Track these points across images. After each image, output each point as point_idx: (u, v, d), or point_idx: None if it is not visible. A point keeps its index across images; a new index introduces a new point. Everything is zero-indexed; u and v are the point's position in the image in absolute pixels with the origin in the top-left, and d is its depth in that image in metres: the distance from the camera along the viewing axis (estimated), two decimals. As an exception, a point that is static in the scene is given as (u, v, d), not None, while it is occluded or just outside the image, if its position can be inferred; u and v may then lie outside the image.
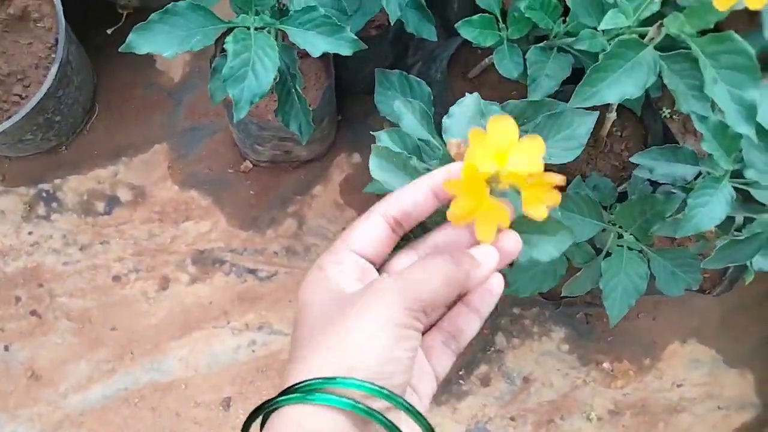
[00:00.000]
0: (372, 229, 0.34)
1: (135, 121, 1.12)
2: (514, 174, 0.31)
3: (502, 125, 0.31)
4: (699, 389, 1.10)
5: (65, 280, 1.09)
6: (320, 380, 0.29)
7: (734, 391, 1.10)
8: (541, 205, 0.32)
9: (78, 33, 1.04)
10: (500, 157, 0.32)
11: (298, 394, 0.29)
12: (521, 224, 0.55)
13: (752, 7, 0.50)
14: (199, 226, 1.11)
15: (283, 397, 0.30)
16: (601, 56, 0.56)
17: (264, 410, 0.31)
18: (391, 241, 0.35)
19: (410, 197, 0.34)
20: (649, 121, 0.91)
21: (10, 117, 0.84)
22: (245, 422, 0.33)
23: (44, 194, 1.11)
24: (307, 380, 0.29)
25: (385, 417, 0.29)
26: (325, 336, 0.30)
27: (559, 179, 0.32)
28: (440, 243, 0.36)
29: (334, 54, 0.96)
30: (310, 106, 0.92)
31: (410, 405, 0.30)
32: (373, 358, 0.29)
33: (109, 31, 1.06)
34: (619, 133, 0.92)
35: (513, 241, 0.35)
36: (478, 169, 0.31)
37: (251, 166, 1.11)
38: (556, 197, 0.32)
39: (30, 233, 1.10)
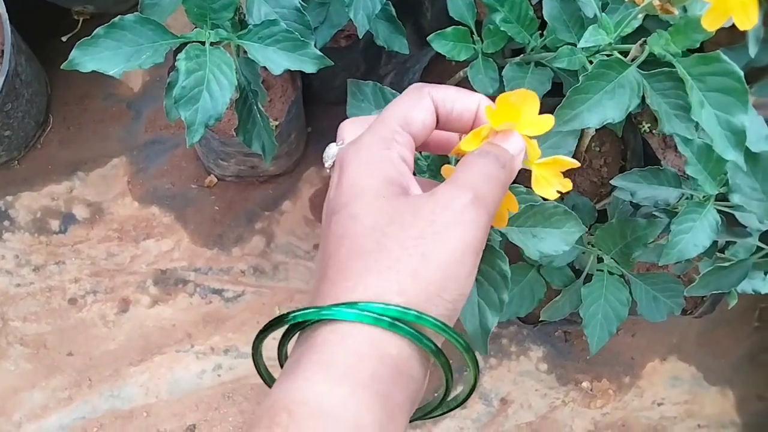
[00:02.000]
0: (427, 113, 0.29)
1: (92, 134, 1.06)
2: (532, 146, 0.30)
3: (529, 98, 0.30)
4: (679, 408, 1.07)
5: (18, 303, 1.03)
6: (396, 309, 0.25)
7: (715, 410, 1.08)
8: (551, 187, 0.31)
9: (30, 41, 0.98)
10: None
11: (372, 315, 0.25)
12: (526, 218, 0.51)
13: (742, 27, 0.47)
14: (161, 245, 1.05)
15: (351, 310, 0.25)
16: (581, 77, 0.52)
17: (302, 322, 0.26)
18: (428, 135, 0.30)
19: (462, 102, 0.30)
20: (628, 137, 0.88)
21: (-50, 133, 0.78)
22: (260, 333, 0.29)
23: (-6, 212, 1.04)
24: (375, 302, 0.25)
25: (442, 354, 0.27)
26: (391, 251, 0.26)
27: (572, 162, 0.30)
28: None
29: (302, 65, 0.92)
30: (275, 119, 0.88)
31: (473, 352, 0.28)
32: (449, 294, 0.26)
33: (64, 39, 1.00)
34: (597, 149, 0.89)
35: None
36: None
37: (216, 180, 1.06)
38: (567, 182, 0.31)
39: (-21, 253, 1.03)
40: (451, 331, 0.27)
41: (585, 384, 1.07)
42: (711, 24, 0.45)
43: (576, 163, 0.31)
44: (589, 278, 0.74)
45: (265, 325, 0.28)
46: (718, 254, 0.73)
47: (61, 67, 0.56)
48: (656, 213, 0.67)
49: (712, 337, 1.10)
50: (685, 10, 0.50)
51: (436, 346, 0.27)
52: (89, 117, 1.06)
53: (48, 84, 1.03)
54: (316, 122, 1.08)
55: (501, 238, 0.51)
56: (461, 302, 0.27)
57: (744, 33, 0.65)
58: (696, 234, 0.61)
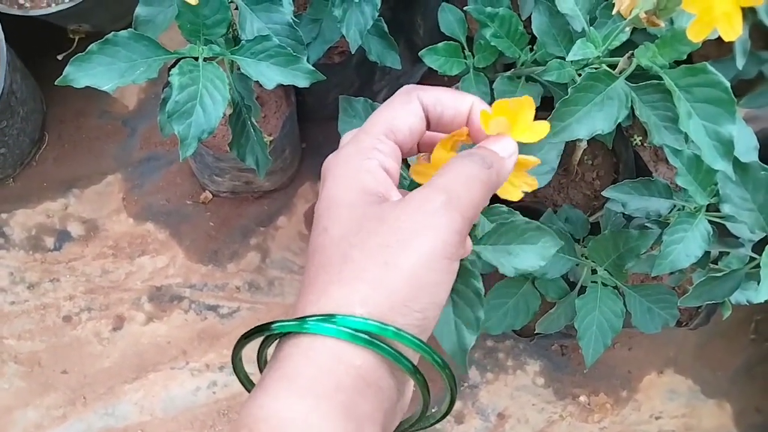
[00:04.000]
0: (415, 118, 0.28)
1: (87, 151, 1.06)
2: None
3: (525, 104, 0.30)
4: (677, 421, 1.07)
5: (12, 320, 1.02)
6: (360, 320, 0.24)
7: (712, 423, 1.07)
8: (515, 189, 0.30)
9: (25, 59, 0.99)
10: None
11: (345, 329, 0.24)
12: (499, 235, 0.52)
13: (726, 38, 0.47)
14: (156, 261, 1.05)
15: (322, 323, 0.24)
16: (570, 89, 0.53)
17: (274, 332, 0.26)
18: (417, 140, 0.29)
19: (453, 103, 0.29)
20: (620, 150, 0.88)
21: (-55, 151, 0.78)
22: (239, 342, 0.28)
23: (-11, 229, 1.04)
24: (341, 314, 0.24)
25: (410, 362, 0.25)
26: (357, 261, 0.25)
27: (534, 160, 0.30)
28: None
29: (295, 81, 0.93)
30: (270, 135, 0.88)
31: (449, 369, 0.27)
32: (416, 305, 0.25)
33: (59, 57, 1.01)
34: (590, 162, 0.90)
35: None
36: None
37: (211, 196, 1.06)
38: (533, 180, 0.30)
39: (-27, 271, 1.03)
40: (425, 347, 0.26)
41: (582, 398, 1.07)
42: (696, 35, 0.46)
43: (537, 161, 0.30)
44: (583, 290, 0.74)
45: (242, 335, 0.28)
46: (712, 265, 0.73)
47: (56, 83, 0.56)
48: (648, 224, 0.67)
49: (709, 350, 1.10)
50: (672, 22, 0.51)
51: (412, 365, 0.26)
52: (84, 134, 1.07)
53: (43, 102, 1.04)
54: (311, 138, 1.08)
55: (473, 257, 0.51)
56: (434, 311, 0.26)
57: (731, 46, 0.66)
58: (688, 244, 0.61)
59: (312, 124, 1.06)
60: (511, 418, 1.05)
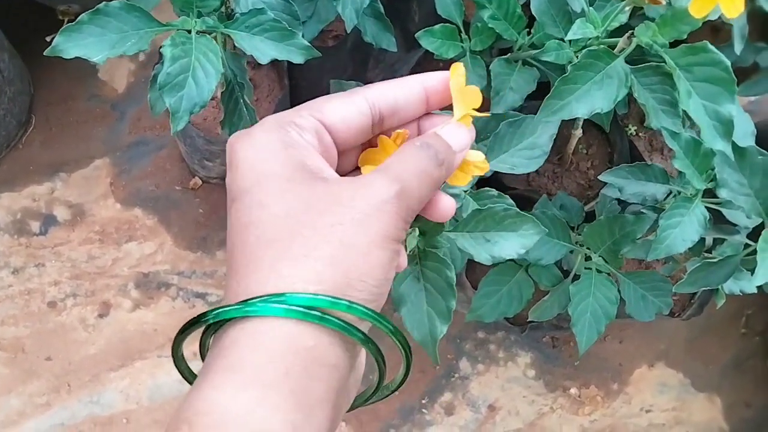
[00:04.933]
0: (352, 108, 0.28)
1: (75, 135, 1.05)
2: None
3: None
4: (667, 414, 1.07)
5: (-5, 306, 1.00)
6: (310, 296, 0.24)
7: (703, 416, 1.07)
8: (466, 174, 0.30)
9: (13, 40, 0.97)
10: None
11: (296, 308, 0.23)
12: (476, 222, 0.51)
13: (729, 15, 0.47)
14: (144, 248, 1.03)
15: (270, 304, 0.23)
16: (569, 67, 0.52)
17: (216, 320, 0.24)
18: (364, 134, 0.28)
19: (403, 90, 0.28)
20: (615, 139, 0.88)
21: (-72, 128, 0.76)
22: (178, 335, 0.27)
23: (-27, 213, 1.02)
24: (295, 293, 0.24)
25: (362, 332, 0.25)
26: (308, 238, 0.24)
27: (480, 157, 0.30)
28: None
29: (290, 65, 0.91)
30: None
31: (402, 336, 0.27)
32: (373, 280, 0.25)
33: (48, 39, 0.98)
34: (584, 151, 0.89)
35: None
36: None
37: (200, 183, 1.05)
38: (484, 164, 0.30)
39: (-44, 255, 1.01)
40: (378, 316, 0.25)
41: (573, 390, 1.06)
42: (698, 11, 0.45)
43: (483, 158, 0.30)
44: (577, 278, 0.74)
45: (182, 326, 0.26)
46: (706, 254, 0.73)
47: (44, 53, 0.55)
48: (644, 210, 0.67)
49: (700, 344, 1.10)
50: (670, 3, 0.51)
51: (364, 334, 0.25)
52: (72, 118, 1.05)
53: (31, 84, 1.02)
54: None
55: (448, 245, 0.51)
56: (386, 287, 0.26)
57: (726, 35, 0.65)
58: (684, 229, 0.61)
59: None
60: (502, 410, 1.04)
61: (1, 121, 0.90)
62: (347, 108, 0.27)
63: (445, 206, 0.29)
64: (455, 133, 0.28)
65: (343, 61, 0.91)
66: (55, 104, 1.05)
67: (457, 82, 0.29)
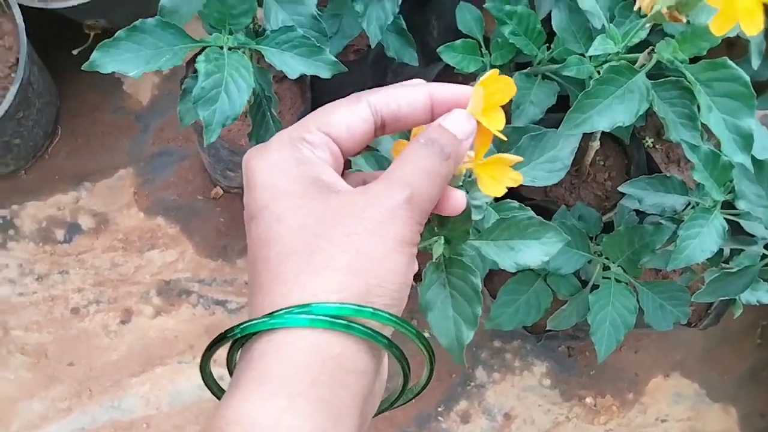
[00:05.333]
0: (356, 117, 0.28)
1: (100, 146, 1.07)
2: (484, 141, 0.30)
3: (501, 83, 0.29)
4: (683, 424, 1.07)
5: (20, 312, 1.02)
6: (336, 305, 0.24)
7: (718, 427, 1.07)
8: (499, 184, 0.31)
9: (42, 53, 1.00)
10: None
11: (322, 318, 0.24)
12: (501, 231, 0.52)
13: (749, 33, 0.48)
14: (165, 256, 1.05)
15: (297, 315, 0.24)
16: (591, 82, 0.53)
17: (244, 334, 0.25)
18: (367, 140, 0.29)
19: (407, 98, 0.29)
20: (632, 151, 0.89)
21: (-37, 139, 0.78)
22: (205, 352, 0.27)
23: (0, 221, 1.04)
24: (319, 303, 0.24)
25: (387, 338, 0.26)
26: (324, 250, 0.25)
27: (516, 158, 0.30)
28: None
29: (311, 78, 0.93)
30: (285, 131, 0.89)
31: (425, 339, 0.27)
32: (392, 285, 0.25)
33: (74, 52, 1.01)
34: (601, 163, 0.90)
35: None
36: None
37: (222, 192, 1.07)
38: (518, 175, 0.31)
39: (-17, 262, 1.03)
40: (401, 321, 0.26)
41: (588, 400, 1.07)
42: (719, 29, 0.47)
43: (519, 158, 0.31)
44: (595, 288, 0.75)
45: (210, 343, 0.27)
46: (723, 264, 0.74)
47: (82, 68, 0.57)
48: (662, 221, 0.68)
49: (715, 354, 1.10)
50: (688, 22, 0.52)
51: (388, 339, 0.26)
52: (98, 129, 1.07)
53: (58, 96, 1.04)
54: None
55: (473, 252, 0.52)
56: (406, 291, 0.26)
57: (743, 50, 0.67)
58: (703, 239, 0.62)
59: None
60: (518, 419, 1.05)
61: (29, 132, 0.93)
62: (352, 118, 0.28)
63: (457, 200, 0.29)
64: (459, 120, 0.28)
65: (364, 75, 0.93)
66: (81, 116, 1.07)
67: (482, 92, 0.28)
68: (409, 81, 0.30)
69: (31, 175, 1.05)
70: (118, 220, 1.06)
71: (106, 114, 1.08)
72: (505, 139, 0.30)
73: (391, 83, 1.02)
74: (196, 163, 1.07)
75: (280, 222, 0.26)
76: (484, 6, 0.69)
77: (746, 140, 0.51)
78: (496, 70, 0.29)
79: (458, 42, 0.72)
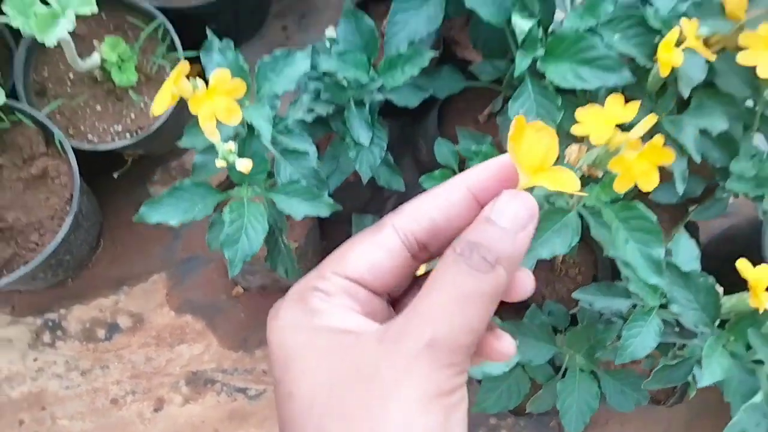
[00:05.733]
0: (379, 251, 0.24)
1: (136, 254, 1.22)
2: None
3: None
4: (669, 493, 1.15)
5: (66, 403, 1.15)
6: None
7: (703, 494, 1.15)
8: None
9: (87, 177, 1.16)
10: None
11: None
12: None
13: (645, 190, 0.62)
14: (193, 349, 1.19)
15: None
16: (535, 219, 0.67)
17: None
18: (407, 270, 0.25)
19: (438, 206, 0.24)
20: (597, 247, 1.02)
21: (26, 262, 0.94)
22: None
23: (50, 323, 1.19)
24: None
25: None
26: (338, 428, 0.22)
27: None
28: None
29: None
30: (296, 241, 1.03)
31: None
32: None
33: (115, 175, 1.18)
34: (571, 260, 1.03)
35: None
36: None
37: (242, 291, 1.21)
38: (669, 154, 0.30)
39: (35, 359, 1.17)
40: None
41: (580, 471, 1.16)
42: (621, 188, 0.61)
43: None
44: (566, 374, 0.86)
45: None
46: (677, 351, 0.86)
47: (133, 219, 0.72)
48: (613, 319, 0.80)
49: (698, 425, 1.19)
50: (606, 173, 0.66)
51: None
52: (135, 239, 1.23)
53: (101, 213, 1.21)
54: (330, 238, 1.23)
55: None
56: None
57: (671, 175, 0.80)
58: (644, 338, 0.74)
59: (330, 226, 1.21)
60: (515, 492, 1.14)
61: (77, 248, 1.08)
62: (373, 253, 0.24)
63: (524, 286, 0.24)
64: (507, 206, 0.23)
65: (363, 190, 1.08)
66: (120, 228, 1.23)
67: (518, 142, 0.22)
68: (445, 182, 0.25)
69: (77, 283, 1.21)
70: (152, 318, 1.20)
71: (142, 227, 1.24)
72: (586, 195, 0.29)
73: (388, 192, 1.20)
74: (220, 266, 1.22)
75: (291, 399, 0.24)
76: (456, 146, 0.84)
77: (657, 265, 0.64)
78: (522, 117, 0.23)
79: (436, 172, 0.87)
